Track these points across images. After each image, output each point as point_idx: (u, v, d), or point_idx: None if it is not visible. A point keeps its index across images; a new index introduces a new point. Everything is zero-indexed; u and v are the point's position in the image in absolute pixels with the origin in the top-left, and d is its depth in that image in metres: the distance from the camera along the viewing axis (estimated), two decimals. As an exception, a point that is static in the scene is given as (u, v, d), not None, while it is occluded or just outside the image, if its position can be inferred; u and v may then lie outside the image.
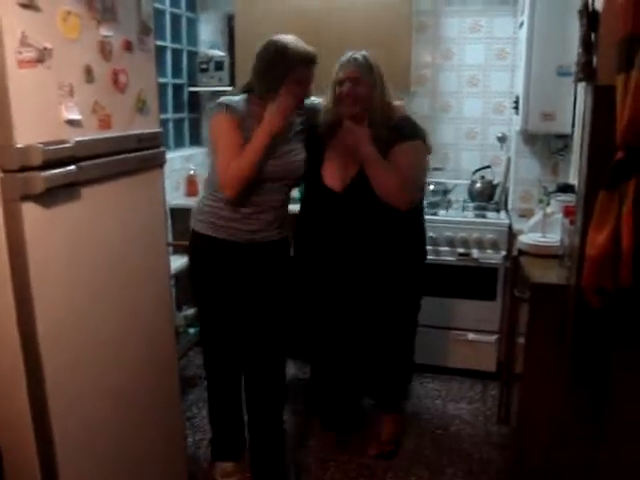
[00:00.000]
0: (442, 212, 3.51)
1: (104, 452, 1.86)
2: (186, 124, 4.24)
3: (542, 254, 2.42)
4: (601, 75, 1.72)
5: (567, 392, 1.99)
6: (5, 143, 1.42)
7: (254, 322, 2.51)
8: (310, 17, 3.42)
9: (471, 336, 3.44)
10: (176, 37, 4.01)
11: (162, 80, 3.76)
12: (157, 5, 3.54)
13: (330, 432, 2.95)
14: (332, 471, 2.69)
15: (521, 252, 2.53)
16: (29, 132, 1.46)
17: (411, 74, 3.58)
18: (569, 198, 2.70)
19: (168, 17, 3.88)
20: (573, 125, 3.17)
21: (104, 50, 1.74)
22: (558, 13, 3.01)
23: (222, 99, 2.34)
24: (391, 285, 2.58)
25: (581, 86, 2.67)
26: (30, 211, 1.49)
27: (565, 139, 3.39)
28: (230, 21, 4.01)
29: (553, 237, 2.46)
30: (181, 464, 2.43)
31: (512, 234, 3.20)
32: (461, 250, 3.37)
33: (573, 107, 3.14)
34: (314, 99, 2.52)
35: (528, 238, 2.55)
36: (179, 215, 3.62)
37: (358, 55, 2.42)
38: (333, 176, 2.49)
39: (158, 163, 2.10)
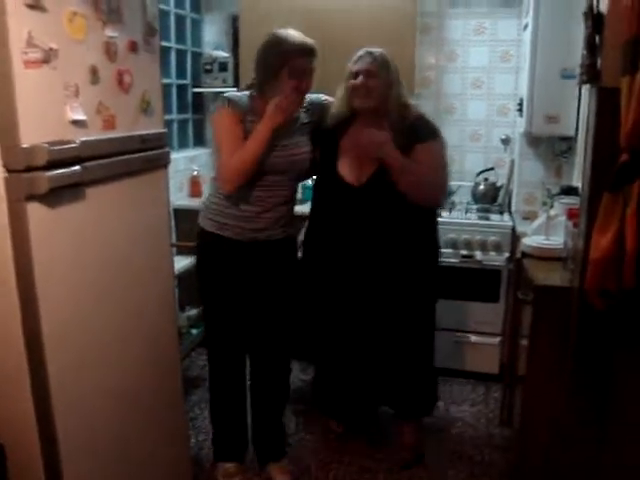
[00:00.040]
0: (445, 214, 3.50)
1: (107, 452, 1.86)
2: (190, 125, 4.25)
3: (545, 256, 2.42)
4: (605, 77, 1.72)
5: (570, 394, 1.99)
6: (10, 143, 1.42)
7: (259, 321, 2.52)
8: (315, 18, 3.42)
9: (474, 338, 3.44)
10: (180, 38, 4.02)
11: (166, 81, 3.77)
12: (162, 6, 3.54)
13: (331, 434, 2.95)
14: (334, 473, 2.68)
15: (524, 254, 2.53)
16: (34, 132, 1.46)
17: (415, 76, 3.58)
18: (573, 200, 2.70)
19: (173, 18, 3.89)
20: (577, 127, 3.17)
21: (109, 51, 1.75)
22: (562, 15, 3.00)
23: (225, 94, 2.36)
24: (408, 284, 2.52)
25: (585, 88, 2.67)
26: (35, 211, 1.49)
27: (569, 141, 3.39)
28: (234, 22, 4.01)
29: (556, 239, 2.46)
30: (184, 465, 2.44)
31: (515, 236, 3.20)
32: (464, 252, 3.36)
33: (577, 109, 3.14)
34: (321, 96, 2.52)
35: (532, 240, 2.55)
36: (183, 216, 3.63)
37: (375, 51, 2.41)
38: (349, 171, 2.46)
39: (162, 164, 2.11)
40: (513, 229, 3.31)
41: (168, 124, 3.63)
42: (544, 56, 3.12)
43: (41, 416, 1.57)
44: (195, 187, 3.96)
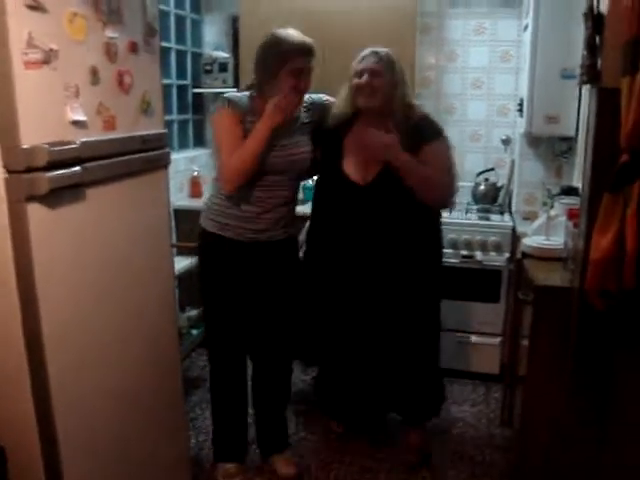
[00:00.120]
0: (446, 214, 3.49)
1: (108, 453, 1.86)
2: (190, 125, 4.25)
3: (546, 257, 2.42)
4: (606, 78, 1.72)
5: (570, 394, 1.99)
6: (11, 144, 1.42)
7: (260, 322, 2.53)
8: (315, 19, 3.42)
9: (474, 338, 3.44)
10: (180, 38, 4.02)
11: (166, 81, 3.77)
12: (162, 7, 3.54)
13: (332, 434, 2.95)
14: (335, 473, 2.68)
15: (525, 255, 2.53)
16: (34, 133, 1.46)
17: (415, 76, 3.58)
18: (573, 201, 2.70)
19: (173, 18, 3.89)
20: (577, 128, 3.17)
21: (109, 51, 1.75)
22: (562, 16, 3.00)
23: (225, 95, 2.36)
24: (414, 283, 2.52)
25: (585, 89, 2.67)
26: (35, 212, 1.49)
27: (569, 142, 3.39)
28: (234, 23, 4.02)
29: (557, 240, 2.46)
30: (184, 465, 2.44)
31: (516, 236, 3.20)
32: (465, 252, 3.36)
33: (577, 110, 3.14)
34: (322, 96, 2.52)
35: (532, 241, 2.55)
36: (183, 216, 3.64)
37: (381, 50, 2.41)
38: (355, 170, 2.46)
39: (163, 164, 2.11)
40: (513, 229, 3.31)
41: (168, 125, 3.63)
42: (544, 56, 3.12)
43: (41, 417, 1.58)
44: (195, 187, 3.96)
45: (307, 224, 2.70)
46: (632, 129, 1.55)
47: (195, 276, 2.54)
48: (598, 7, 1.76)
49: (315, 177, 2.67)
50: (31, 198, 1.47)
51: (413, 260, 2.50)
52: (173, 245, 2.70)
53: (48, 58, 1.49)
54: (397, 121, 2.39)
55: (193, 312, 3.68)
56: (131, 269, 1.94)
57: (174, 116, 3.99)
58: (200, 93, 4.19)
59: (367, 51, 2.41)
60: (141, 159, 1.93)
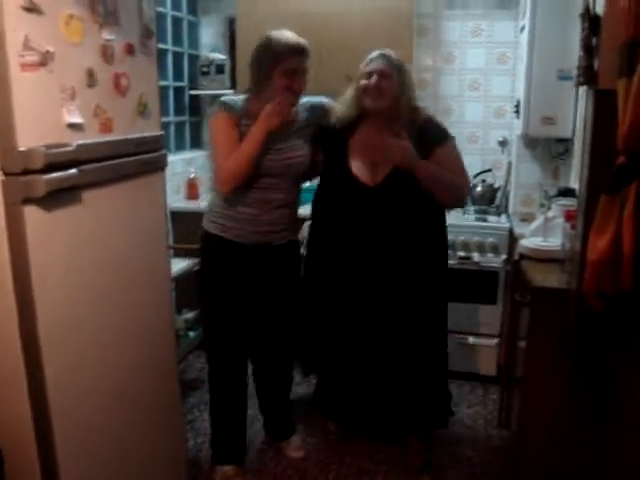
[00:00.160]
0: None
1: (105, 455, 1.85)
2: (187, 127, 4.25)
3: (543, 258, 2.42)
4: (602, 79, 1.72)
5: (568, 396, 1.99)
6: (7, 146, 1.42)
7: (260, 325, 2.53)
8: (311, 20, 3.42)
9: (472, 340, 3.44)
10: (177, 40, 4.01)
11: (163, 83, 3.76)
12: (158, 8, 3.54)
13: (331, 435, 2.94)
14: (334, 474, 2.68)
15: (522, 256, 2.53)
16: (31, 135, 1.46)
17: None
18: (570, 202, 2.70)
19: (169, 20, 3.89)
20: (574, 129, 3.18)
21: (106, 54, 1.74)
22: (559, 17, 3.01)
23: (221, 98, 2.37)
24: (424, 285, 2.50)
25: (582, 90, 2.67)
26: (32, 214, 1.49)
27: (566, 143, 3.39)
28: (231, 24, 4.01)
29: (554, 241, 2.46)
30: (182, 467, 2.43)
31: (513, 238, 3.20)
32: (462, 254, 3.36)
33: (574, 111, 3.14)
34: (322, 99, 2.52)
35: (529, 242, 2.55)
36: (180, 218, 3.63)
37: (389, 53, 2.41)
38: (362, 171, 2.45)
39: (159, 166, 2.11)
40: (511, 231, 3.31)
41: (165, 126, 3.62)
42: (541, 58, 3.12)
43: (38, 419, 1.57)
44: (192, 189, 3.95)
45: (306, 224, 2.69)
46: (628, 131, 1.55)
47: (192, 278, 2.54)
48: (594, 8, 1.77)
49: (315, 179, 2.66)
50: (28, 200, 1.47)
51: (423, 261, 2.49)
52: (170, 247, 2.70)
53: (44, 60, 1.49)
54: (403, 124, 2.40)
55: (190, 314, 3.67)
56: (128, 271, 1.94)
57: (171, 118, 3.98)
58: (197, 95, 4.19)
59: (375, 53, 2.42)
60: (138, 161, 1.93)
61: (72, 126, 1.60)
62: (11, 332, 1.51)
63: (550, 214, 2.70)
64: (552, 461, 2.10)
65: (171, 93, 3.98)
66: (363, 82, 2.39)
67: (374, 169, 2.43)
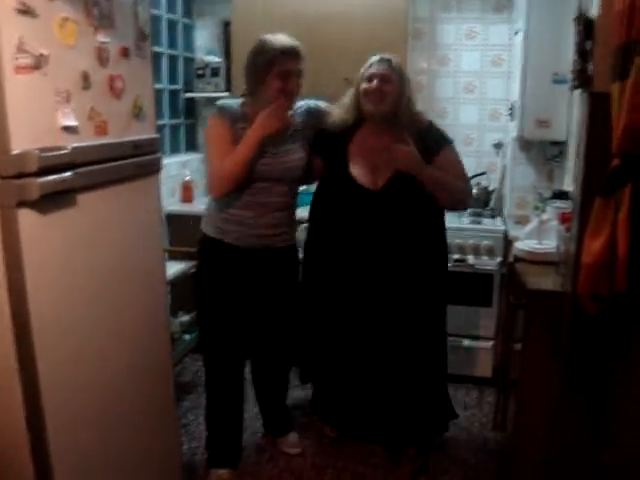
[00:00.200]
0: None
1: (99, 458, 1.85)
2: (182, 130, 4.24)
3: (538, 261, 2.43)
4: (596, 82, 1.73)
5: (563, 398, 1.99)
6: (1, 149, 1.42)
7: (257, 328, 2.54)
8: (307, 23, 3.42)
9: (467, 342, 3.44)
10: (172, 43, 4.01)
11: (158, 86, 3.75)
12: (154, 11, 3.54)
13: (325, 439, 2.94)
14: (328, 478, 2.67)
15: (517, 259, 2.54)
16: (25, 138, 1.46)
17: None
18: (564, 205, 2.71)
19: (164, 23, 3.88)
20: (568, 132, 3.19)
21: (101, 56, 1.74)
22: (554, 21, 3.02)
23: (218, 102, 2.37)
24: (425, 288, 2.51)
25: (577, 93, 2.68)
26: (26, 217, 1.48)
27: (560, 146, 3.40)
28: (226, 27, 4.01)
29: (549, 244, 2.47)
30: (176, 471, 2.42)
31: (508, 241, 3.20)
32: (457, 256, 3.36)
33: (568, 114, 3.15)
34: (319, 102, 2.52)
35: (524, 245, 2.55)
36: (175, 221, 3.63)
37: (390, 57, 2.42)
38: (363, 175, 2.45)
39: (154, 169, 2.10)
40: (505, 233, 3.32)
41: (160, 129, 3.62)
42: (535, 61, 3.14)
43: (31, 421, 1.56)
44: (187, 192, 3.95)
45: (302, 227, 2.69)
46: (623, 134, 1.55)
47: (188, 281, 2.54)
48: (589, 12, 1.77)
49: (311, 183, 2.66)
50: (22, 204, 1.46)
51: (423, 266, 2.50)
52: (165, 250, 2.70)
53: (39, 63, 1.49)
54: (403, 127, 2.40)
55: (185, 317, 3.66)
56: (123, 274, 1.94)
57: (166, 120, 3.98)
58: (192, 98, 4.19)
59: (376, 57, 2.42)
60: (133, 164, 1.93)
61: (67, 129, 1.60)
62: (5, 334, 1.50)
63: (545, 217, 2.71)
64: (547, 463, 2.10)
65: (166, 96, 3.98)
66: (364, 86, 2.39)
67: (375, 173, 2.43)
